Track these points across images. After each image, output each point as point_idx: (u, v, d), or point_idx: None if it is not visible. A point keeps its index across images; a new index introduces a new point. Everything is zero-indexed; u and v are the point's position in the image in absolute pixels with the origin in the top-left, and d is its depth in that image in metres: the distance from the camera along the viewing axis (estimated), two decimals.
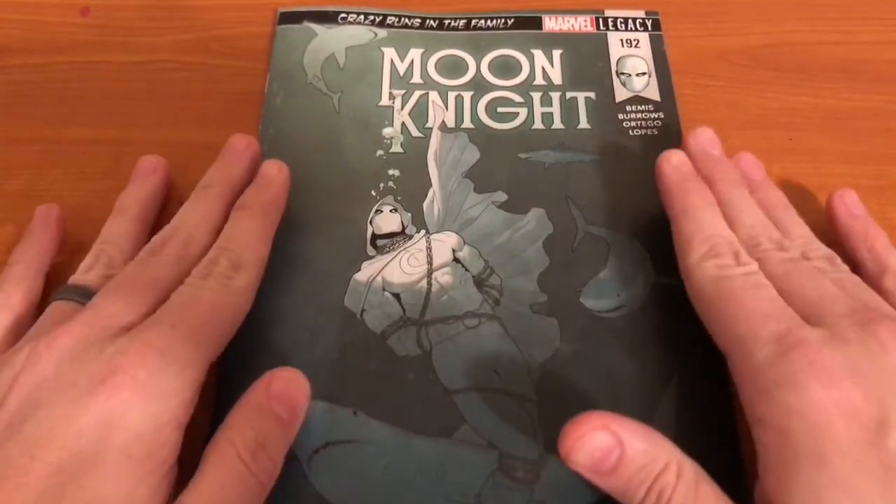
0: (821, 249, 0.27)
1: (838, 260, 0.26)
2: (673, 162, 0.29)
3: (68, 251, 0.30)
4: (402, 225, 0.31)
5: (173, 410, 0.22)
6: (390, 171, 0.33)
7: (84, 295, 0.26)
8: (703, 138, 0.31)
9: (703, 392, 0.27)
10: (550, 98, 0.35)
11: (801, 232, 0.28)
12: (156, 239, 0.27)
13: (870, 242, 0.28)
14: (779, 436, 0.21)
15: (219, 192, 0.29)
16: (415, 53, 0.36)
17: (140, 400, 0.21)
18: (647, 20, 0.37)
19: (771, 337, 0.22)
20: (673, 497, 0.21)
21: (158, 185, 0.31)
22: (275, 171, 0.30)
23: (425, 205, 0.32)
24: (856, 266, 0.28)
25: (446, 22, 0.37)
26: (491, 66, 0.36)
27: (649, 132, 0.34)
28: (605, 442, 0.21)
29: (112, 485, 0.21)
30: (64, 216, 0.31)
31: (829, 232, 0.30)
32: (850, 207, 0.30)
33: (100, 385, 0.21)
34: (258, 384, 0.24)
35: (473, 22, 0.37)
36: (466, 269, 0.30)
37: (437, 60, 0.36)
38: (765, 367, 0.22)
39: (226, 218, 0.28)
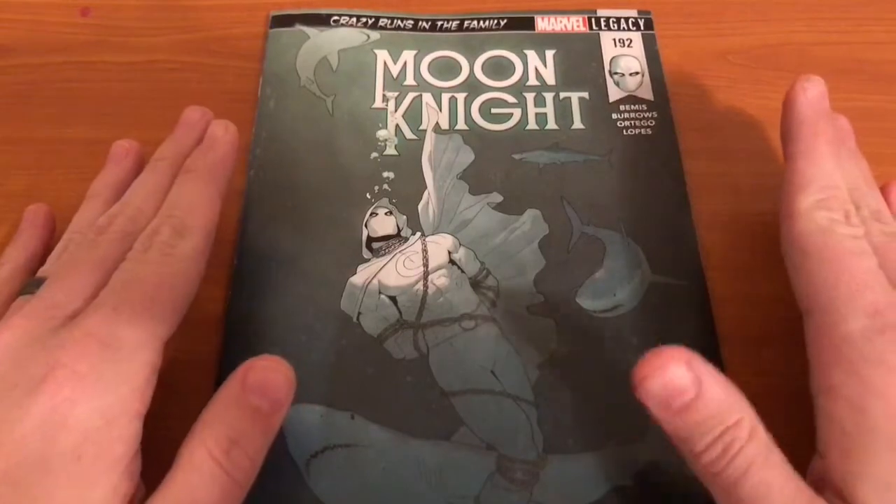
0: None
1: None
2: (809, 94, 0.27)
3: None
4: (398, 227, 0.31)
5: (124, 402, 0.21)
6: (385, 174, 0.32)
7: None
8: (814, 96, 0.27)
9: None
10: (544, 98, 0.35)
11: (884, 206, 0.26)
12: (103, 218, 0.26)
13: None
14: (852, 411, 0.20)
15: (169, 164, 0.28)
16: (408, 55, 0.36)
17: (83, 396, 0.20)
18: (639, 20, 0.37)
19: (868, 309, 0.21)
20: (741, 453, 0.20)
21: (129, 169, 0.30)
22: (221, 132, 0.28)
23: (420, 207, 0.32)
24: None
25: (439, 23, 0.37)
26: (484, 67, 0.36)
27: (643, 132, 0.34)
28: (685, 378, 0.20)
29: (64, 492, 0.20)
30: (53, 214, 0.30)
31: None
32: None
33: (40, 384, 0.20)
34: (234, 375, 0.22)
35: (466, 23, 0.37)
36: (462, 271, 0.30)
37: (431, 62, 0.36)
38: (856, 338, 0.21)
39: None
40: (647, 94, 0.35)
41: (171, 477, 0.21)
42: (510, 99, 0.35)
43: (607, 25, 0.37)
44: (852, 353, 0.21)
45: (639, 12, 0.38)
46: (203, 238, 0.25)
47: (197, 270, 0.25)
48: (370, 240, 0.31)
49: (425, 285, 0.30)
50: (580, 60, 0.36)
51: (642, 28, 0.37)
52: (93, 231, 0.25)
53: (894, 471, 0.19)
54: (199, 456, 0.21)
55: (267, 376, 0.22)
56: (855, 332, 0.21)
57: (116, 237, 0.25)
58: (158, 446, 0.26)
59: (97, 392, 0.20)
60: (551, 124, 0.34)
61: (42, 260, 0.28)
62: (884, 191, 0.28)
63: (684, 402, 0.20)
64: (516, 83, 0.35)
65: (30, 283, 0.25)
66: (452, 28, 0.37)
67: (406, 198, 0.32)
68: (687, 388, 0.20)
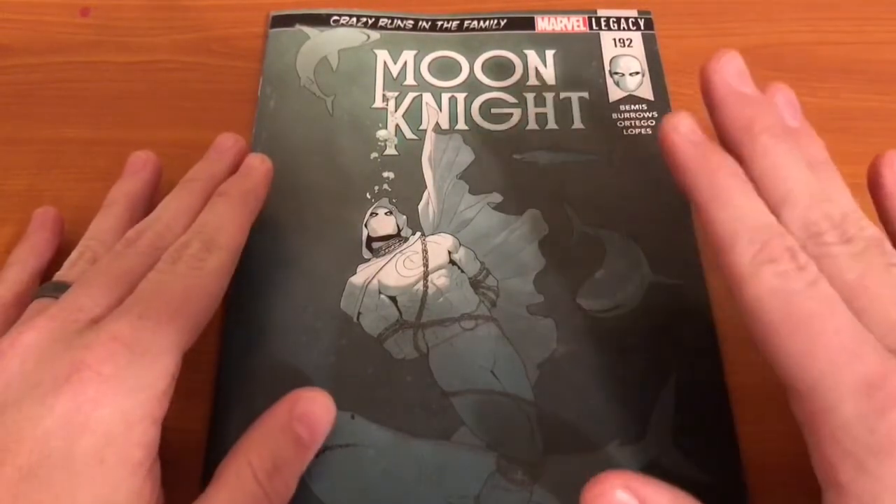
0: (869, 229, 0.21)
1: (889, 245, 0.21)
2: (682, 130, 0.23)
3: (67, 252, 0.30)
4: (398, 227, 0.31)
5: (145, 406, 0.21)
6: (385, 174, 0.32)
7: (62, 291, 0.25)
8: (730, 69, 0.24)
9: (700, 392, 0.27)
10: (544, 98, 0.35)
11: (846, 202, 0.22)
12: (131, 231, 0.26)
13: None
14: None
15: (201, 186, 0.29)
16: (408, 55, 0.36)
17: (107, 397, 0.20)
18: (639, 19, 0.37)
19: (859, 385, 0.18)
20: None
21: (147, 180, 0.31)
22: (257, 163, 0.29)
23: (420, 207, 0.32)
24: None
25: (439, 23, 0.37)
26: (484, 67, 0.36)
27: (643, 131, 0.34)
28: (624, 501, 0.19)
29: (88, 493, 0.20)
30: (62, 217, 0.30)
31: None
32: None
33: (65, 383, 0.20)
34: (283, 403, 0.23)
35: (466, 23, 0.37)
36: (462, 271, 0.30)
37: (431, 62, 0.36)
38: (853, 426, 0.18)
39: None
40: (647, 94, 0.35)
41: (214, 494, 0.21)
42: (510, 99, 0.35)
43: (607, 25, 0.37)
44: (853, 444, 0.18)
45: (639, 12, 0.38)
46: (230, 257, 0.26)
47: (220, 287, 0.25)
48: (370, 240, 0.31)
49: (425, 285, 0.30)
50: (580, 60, 0.36)
51: (642, 28, 0.37)
52: (121, 243, 0.26)
53: None
54: (245, 477, 0.22)
55: (314, 408, 0.23)
56: (852, 420, 0.18)
57: (144, 251, 0.25)
58: (159, 446, 0.26)
59: (120, 395, 0.21)
60: (551, 124, 0.34)
61: (51, 264, 0.29)
62: (873, 167, 0.25)
63: None
64: (516, 83, 0.35)
65: (48, 286, 0.25)
66: (452, 28, 0.37)
67: (406, 198, 0.32)
68: None
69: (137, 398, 0.21)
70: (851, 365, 0.18)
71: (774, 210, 0.22)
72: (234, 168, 0.30)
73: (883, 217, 0.25)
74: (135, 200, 0.30)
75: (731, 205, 0.21)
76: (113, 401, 0.20)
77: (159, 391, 0.22)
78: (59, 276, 0.26)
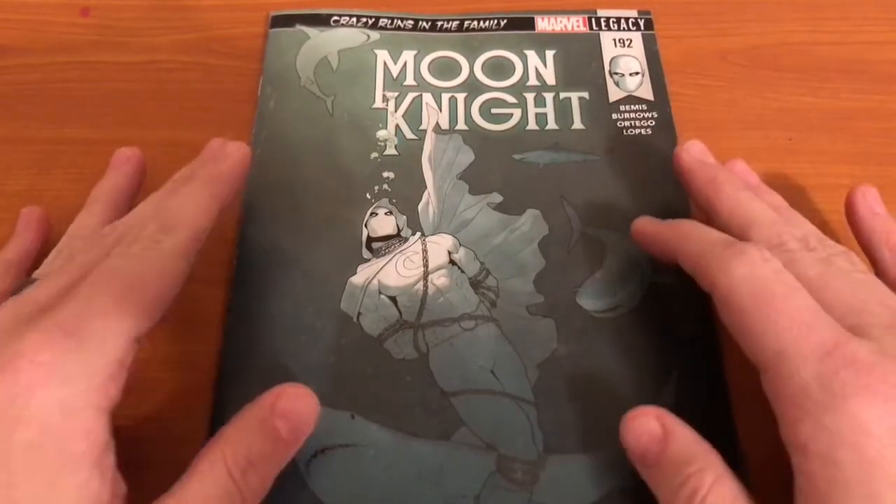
0: (836, 247, 0.25)
1: (856, 258, 0.24)
2: (643, 221, 0.28)
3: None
4: (398, 227, 0.31)
5: (87, 394, 0.20)
6: (385, 174, 0.32)
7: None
8: (696, 150, 0.30)
9: (701, 392, 0.27)
10: (544, 99, 0.35)
11: (809, 228, 0.26)
12: (106, 227, 0.26)
13: (893, 241, 0.27)
14: (825, 467, 0.19)
15: (183, 182, 0.28)
16: (408, 55, 0.36)
17: (42, 386, 0.19)
18: (639, 20, 0.37)
19: (817, 352, 0.20)
20: (705, 501, 0.20)
21: (130, 174, 0.30)
22: (232, 149, 0.28)
23: (420, 207, 0.32)
24: (870, 265, 0.27)
25: (439, 23, 0.37)
26: (484, 67, 0.36)
27: (643, 132, 0.34)
28: (653, 428, 0.22)
29: (25, 490, 0.19)
30: (48, 216, 0.30)
31: (833, 232, 0.30)
32: (872, 205, 0.28)
33: None
34: (265, 398, 0.22)
35: (466, 23, 0.37)
36: (462, 271, 0.30)
37: (431, 62, 0.36)
38: (811, 387, 0.20)
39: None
40: (647, 94, 0.35)
41: (186, 484, 0.21)
42: (510, 99, 0.35)
43: (607, 25, 0.37)
44: (812, 404, 0.20)
45: (639, 12, 0.38)
46: (189, 237, 0.24)
47: (178, 269, 0.24)
48: (370, 240, 0.31)
49: (425, 285, 0.30)
50: (580, 60, 0.36)
51: (642, 28, 0.37)
52: (92, 238, 0.25)
53: None
54: (218, 470, 0.21)
55: (296, 405, 0.22)
56: (810, 381, 0.20)
57: (110, 243, 0.24)
58: (160, 446, 0.26)
59: (56, 383, 0.20)
60: (551, 124, 0.34)
61: (37, 262, 0.28)
62: (848, 198, 0.29)
63: (655, 452, 0.22)
64: (516, 83, 0.35)
65: (21, 283, 0.25)
66: (452, 28, 0.37)
67: (406, 198, 0.32)
68: (657, 438, 0.22)
69: (77, 386, 0.20)
70: (809, 336, 0.20)
71: (740, 236, 0.25)
72: (232, 170, 0.29)
73: (859, 239, 0.28)
74: (117, 197, 0.29)
75: (694, 236, 0.25)
76: (49, 389, 0.19)
77: (103, 379, 0.20)
78: (37, 273, 0.26)
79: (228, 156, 0.28)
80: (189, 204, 0.25)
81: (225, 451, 0.21)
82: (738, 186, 0.27)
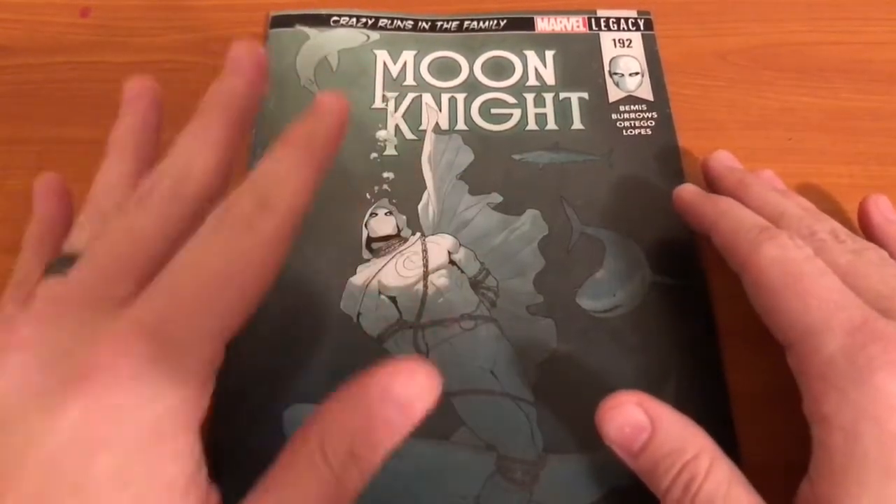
0: (865, 242, 0.25)
1: (885, 252, 0.25)
2: (688, 188, 0.29)
3: None
4: (398, 228, 0.31)
5: (176, 411, 0.17)
6: (385, 174, 0.32)
7: (70, 266, 0.20)
8: (724, 156, 0.31)
9: (701, 392, 0.27)
10: (544, 99, 0.35)
11: (837, 225, 0.26)
12: (144, 181, 0.21)
13: None
14: (846, 439, 0.19)
15: (220, 112, 0.23)
16: (407, 55, 0.36)
17: (127, 404, 0.17)
18: (639, 20, 0.37)
19: (845, 327, 0.20)
20: (701, 490, 0.20)
21: (146, 111, 0.25)
22: (331, 100, 0.22)
23: (420, 207, 0.32)
24: None
25: (439, 24, 0.37)
26: (484, 67, 0.36)
27: (643, 132, 0.34)
28: (637, 417, 0.21)
29: None
30: (64, 180, 0.26)
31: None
32: (886, 213, 0.29)
33: (73, 390, 0.16)
34: (375, 377, 0.19)
35: (466, 23, 0.37)
36: (462, 272, 0.30)
37: (430, 62, 0.36)
38: (837, 360, 0.20)
39: (234, 146, 0.22)
40: (646, 94, 0.35)
41: (283, 476, 0.18)
42: (510, 99, 0.35)
43: (607, 26, 0.37)
44: (837, 377, 0.20)
45: (639, 12, 0.38)
46: (290, 220, 0.20)
47: (275, 259, 0.19)
48: (370, 240, 0.31)
49: (425, 285, 0.30)
50: (580, 61, 0.36)
51: (642, 28, 0.37)
52: (132, 201, 0.21)
53: (883, 500, 0.19)
54: (318, 461, 0.18)
55: (413, 387, 0.19)
56: (837, 355, 0.20)
57: (161, 206, 0.20)
58: None
59: (143, 400, 0.17)
60: (551, 124, 0.34)
61: (58, 240, 0.24)
62: (861, 207, 0.29)
63: (641, 442, 0.21)
64: (516, 83, 0.35)
65: (55, 263, 0.21)
66: (452, 28, 0.37)
67: (406, 198, 0.32)
68: (641, 427, 0.21)
69: (165, 402, 0.17)
70: (838, 314, 0.21)
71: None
72: (257, 86, 0.24)
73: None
74: (138, 141, 0.25)
75: (732, 216, 0.25)
76: (134, 407, 0.17)
77: (194, 391, 0.18)
78: (68, 245, 0.22)
79: (327, 111, 0.22)
80: (290, 176, 0.20)
81: (323, 440, 0.19)
82: (766, 187, 0.28)
